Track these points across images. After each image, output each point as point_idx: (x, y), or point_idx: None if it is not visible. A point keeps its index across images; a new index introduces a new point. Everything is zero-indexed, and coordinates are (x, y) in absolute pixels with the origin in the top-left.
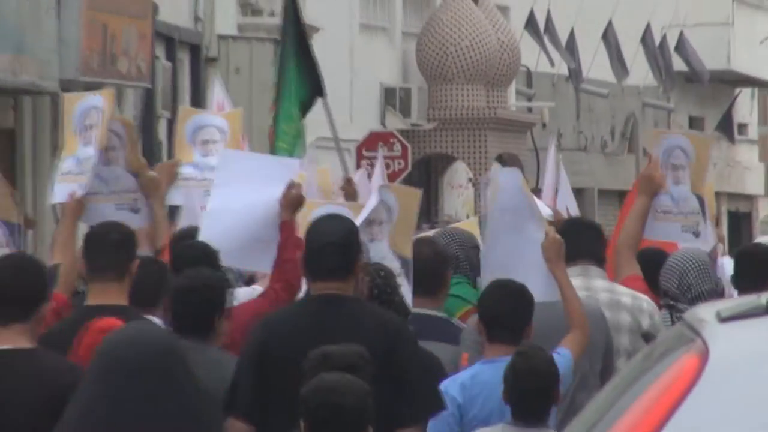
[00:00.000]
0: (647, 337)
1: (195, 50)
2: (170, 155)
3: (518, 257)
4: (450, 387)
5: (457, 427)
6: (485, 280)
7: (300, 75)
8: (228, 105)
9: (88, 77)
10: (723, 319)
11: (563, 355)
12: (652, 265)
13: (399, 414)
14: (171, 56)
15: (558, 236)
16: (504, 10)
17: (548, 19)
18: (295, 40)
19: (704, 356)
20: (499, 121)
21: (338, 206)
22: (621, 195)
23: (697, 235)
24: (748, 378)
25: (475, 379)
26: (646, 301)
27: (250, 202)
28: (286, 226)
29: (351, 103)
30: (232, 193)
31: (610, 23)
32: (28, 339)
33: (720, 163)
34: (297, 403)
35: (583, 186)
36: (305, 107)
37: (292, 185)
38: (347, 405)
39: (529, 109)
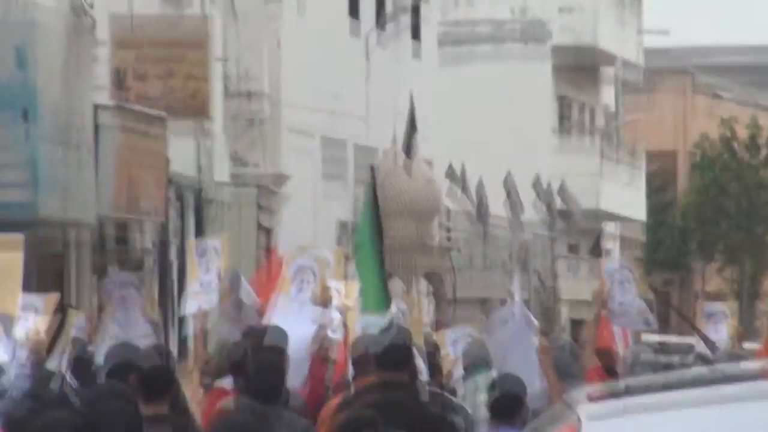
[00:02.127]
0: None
1: (198, 194)
2: (179, 274)
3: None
4: None
5: None
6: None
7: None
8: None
9: (118, 214)
10: (591, 399)
11: None
12: None
13: None
14: (180, 198)
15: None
16: (429, 163)
17: (462, 171)
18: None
19: (578, 426)
20: (424, 250)
21: None
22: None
23: None
24: None
25: None
26: None
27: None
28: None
29: (315, 234)
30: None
31: (509, 173)
32: None
33: (589, 280)
34: None
35: (488, 295)
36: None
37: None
38: None
39: (448, 239)
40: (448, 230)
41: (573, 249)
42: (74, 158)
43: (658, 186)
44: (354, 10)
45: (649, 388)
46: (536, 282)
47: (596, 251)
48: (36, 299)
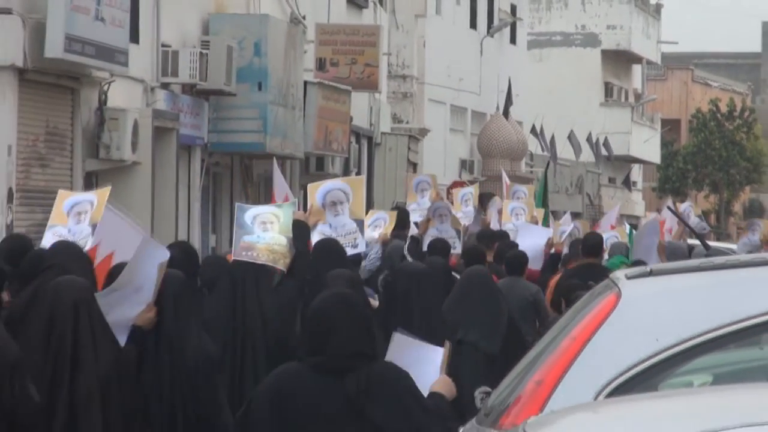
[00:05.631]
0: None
1: (369, 139)
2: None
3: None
4: None
5: None
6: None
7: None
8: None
9: (317, 151)
10: (629, 278)
11: None
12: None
13: None
14: (358, 142)
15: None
16: (520, 123)
17: (541, 129)
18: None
19: (619, 295)
20: (516, 177)
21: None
22: (574, 215)
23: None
24: (641, 306)
25: None
26: None
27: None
28: None
29: (444, 167)
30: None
31: (571, 132)
32: None
33: (621, 201)
34: None
35: (556, 209)
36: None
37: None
38: None
39: (531, 172)
40: (531, 167)
41: (611, 180)
42: (290, 115)
43: (668, 141)
44: (473, 24)
45: (673, 270)
46: (587, 201)
47: (627, 182)
48: (384, 214)
